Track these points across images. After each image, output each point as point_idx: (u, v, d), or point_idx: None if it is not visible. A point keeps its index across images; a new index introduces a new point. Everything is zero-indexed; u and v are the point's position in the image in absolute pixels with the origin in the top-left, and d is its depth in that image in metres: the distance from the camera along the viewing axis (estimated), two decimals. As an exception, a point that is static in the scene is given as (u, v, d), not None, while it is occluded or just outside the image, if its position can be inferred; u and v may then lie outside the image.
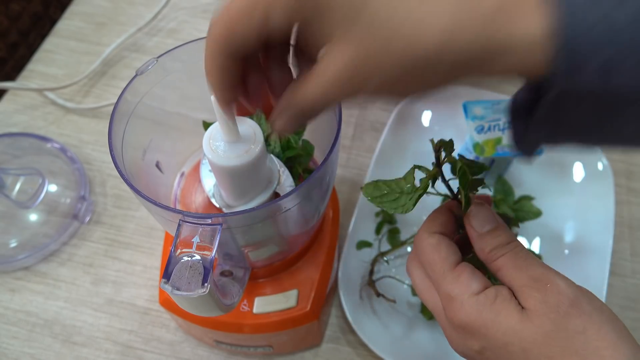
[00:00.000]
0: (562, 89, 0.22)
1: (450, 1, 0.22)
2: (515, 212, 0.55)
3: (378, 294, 0.49)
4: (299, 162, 0.41)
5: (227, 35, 0.23)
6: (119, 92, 0.35)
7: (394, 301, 0.49)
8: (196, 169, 0.44)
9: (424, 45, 0.22)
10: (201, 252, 0.29)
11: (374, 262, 0.51)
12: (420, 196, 0.31)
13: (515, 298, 0.28)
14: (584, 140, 0.26)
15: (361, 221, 0.53)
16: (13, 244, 0.53)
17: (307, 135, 0.43)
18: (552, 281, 0.28)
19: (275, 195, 0.39)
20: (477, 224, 0.31)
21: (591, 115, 0.24)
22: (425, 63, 0.22)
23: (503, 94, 0.62)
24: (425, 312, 0.50)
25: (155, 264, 0.54)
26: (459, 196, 0.32)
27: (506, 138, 0.53)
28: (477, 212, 0.31)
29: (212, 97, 0.30)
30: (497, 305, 0.28)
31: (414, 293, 0.50)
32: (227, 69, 0.25)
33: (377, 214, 0.55)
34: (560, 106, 0.23)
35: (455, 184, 0.31)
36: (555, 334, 0.26)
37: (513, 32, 0.21)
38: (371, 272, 0.51)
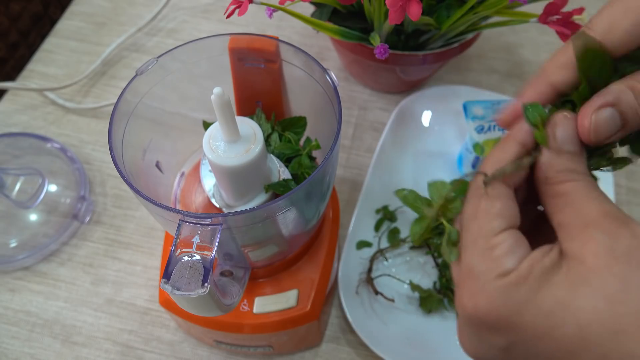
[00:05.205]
0: None
1: None
2: None
3: (376, 292, 0.49)
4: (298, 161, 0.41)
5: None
6: (119, 92, 0.35)
7: (392, 300, 0.50)
8: (196, 169, 0.44)
9: None
10: (201, 252, 0.29)
11: (373, 258, 0.51)
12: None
13: (561, 256, 0.22)
14: None
15: (361, 221, 0.53)
16: (13, 244, 0.53)
17: (307, 135, 0.43)
18: (627, 222, 0.21)
19: (275, 195, 0.39)
20: (560, 137, 0.24)
21: None
22: None
23: (503, 94, 0.62)
24: (425, 305, 0.50)
25: (155, 264, 0.54)
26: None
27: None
28: (565, 124, 0.24)
29: (212, 97, 0.30)
30: (533, 280, 0.21)
31: (414, 290, 0.50)
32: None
33: (377, 211, 0.55)
34: None
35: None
36: (624, 295, 0.19)
37: None
38: (370, 269, 0.51)
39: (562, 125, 0.24)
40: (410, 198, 0.30)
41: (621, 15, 0.23)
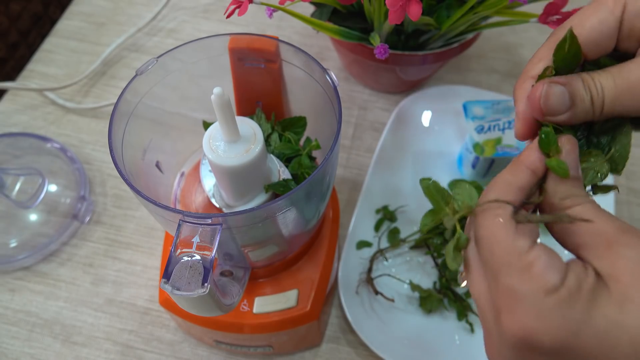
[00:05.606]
0: None
1: None
2: None
3: (376, 292, 0.49)
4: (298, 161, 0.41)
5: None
6: (119, 92, 0.35)
7: (392, 300, 0.50)
8: (196, 169, 0.44)
9: None
10: (201, 252, 0.29)
11: (373, 258, 0.51)
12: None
13: (596, 273, 0.22)
14: None
15: (361, 221, 0.53)
16: (13, 244, 0.53)
17: (307, 135, 0.43)
18: None
19: (275, 195, 0.39)
20: (567, 163, 0.25)
21: None
22: None
23: (503, 94, 0.62)
24: (425, 305, 0.50)
25: (155, 264, 0.54)
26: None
27: (506, 138, 0.53)
28: (569, 151, 0.25)
29: (212, 97, 0.30)
30: (584, 299, 0.21)
31: (414, 290, 0.50)
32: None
33: (377, 211, 0.55)
34: None
35: None
36: None
37: None
38: (370, 269, 0.51)
39: (566, 152, 0.25)
40: (432, 189, 0.29)
41: (591, 12, 0.25)
